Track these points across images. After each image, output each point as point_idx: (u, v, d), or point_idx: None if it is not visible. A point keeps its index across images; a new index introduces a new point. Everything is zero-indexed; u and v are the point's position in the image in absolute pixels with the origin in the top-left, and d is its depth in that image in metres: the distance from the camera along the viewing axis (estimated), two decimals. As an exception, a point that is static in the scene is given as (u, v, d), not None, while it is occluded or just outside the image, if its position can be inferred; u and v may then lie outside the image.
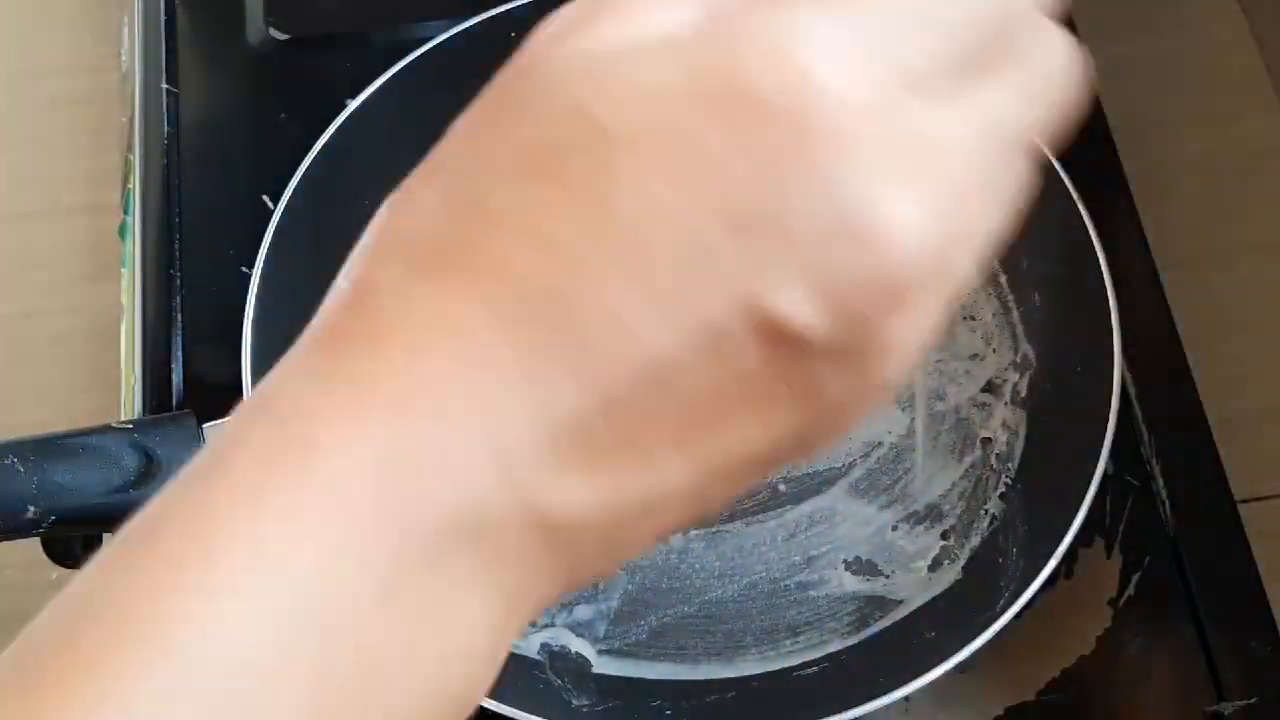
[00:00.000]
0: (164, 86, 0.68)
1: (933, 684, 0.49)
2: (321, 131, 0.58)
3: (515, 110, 0.24)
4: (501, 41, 0.62)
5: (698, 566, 0.57)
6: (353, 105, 0.59)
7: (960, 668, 0.49)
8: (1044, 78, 0.25)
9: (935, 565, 0.56)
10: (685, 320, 0.22)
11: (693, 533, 0.57)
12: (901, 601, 0.56)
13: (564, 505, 0.23)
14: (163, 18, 0.70)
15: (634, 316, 0.22)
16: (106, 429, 0.51)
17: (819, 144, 0.22)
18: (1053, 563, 0.51)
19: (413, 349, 0.23)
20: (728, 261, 0.22)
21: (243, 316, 0.54)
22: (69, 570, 0.58)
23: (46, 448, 0.50)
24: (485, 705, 0.48)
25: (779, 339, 0.22)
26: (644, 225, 0.22)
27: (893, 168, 0.22)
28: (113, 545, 0.23)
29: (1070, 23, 0.77)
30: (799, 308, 0.22)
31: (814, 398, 0.24)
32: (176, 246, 0.64)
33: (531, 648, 0.55)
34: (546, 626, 0.55)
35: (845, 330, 0.23)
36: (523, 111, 0.24)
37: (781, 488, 0.58)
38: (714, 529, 0.58)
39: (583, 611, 0.56)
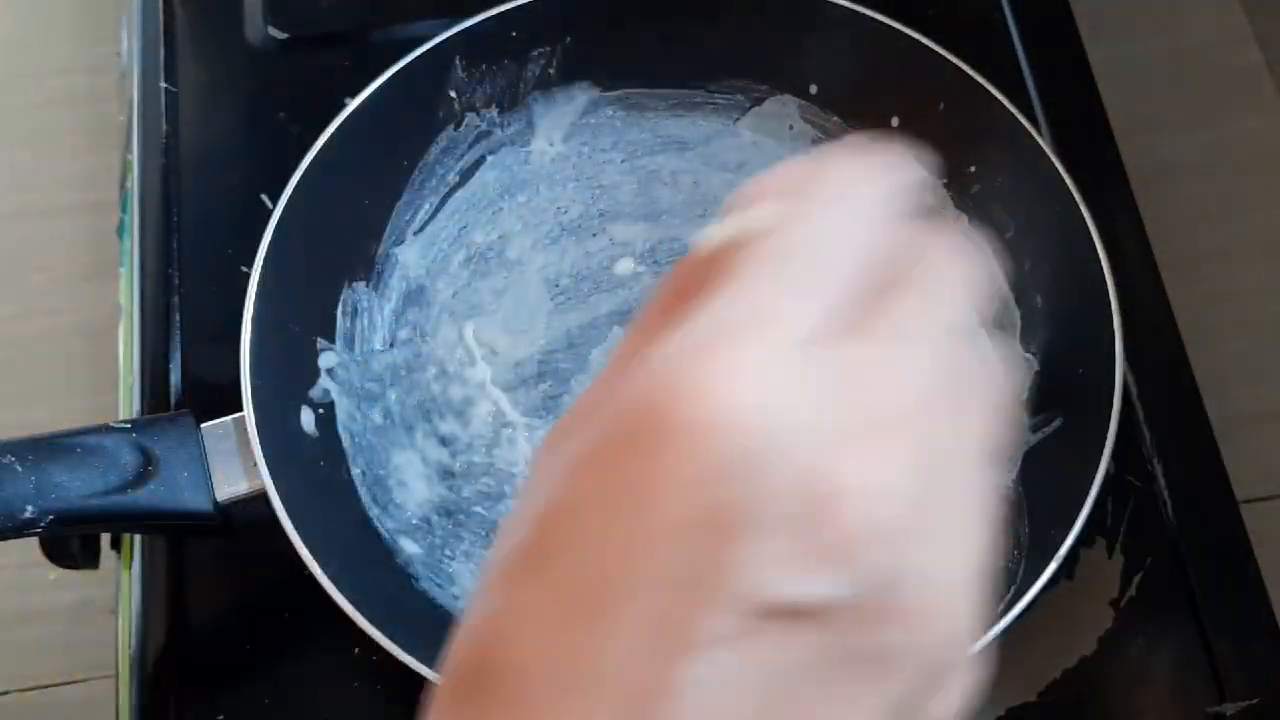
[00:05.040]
0: (163, 85, 0.68)
1: (934, 685, 0.48)
2: (321, 131, 0.58)
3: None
4: (501, 41, 0.63)
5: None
6: (352, 105, 0.59)
7: (961, 669, 0.49)
8: (947, 278, 0.25)
9: (936, 566, 0.56)
10: (695, 638, 0.22)
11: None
12: (902, 602, 0.55)
13: None
14: (161, 17, 0.70)
15: (646, 659, 0.22)
16: (105, 428, 0.51)
17: (750, 439, 0.22)
18: (1054, 564, 0.50)
19: None
20: (707, 570, 0.22)
21: (241, 316, 0.54)
22: (67, 570, 0.58)
23: (44, 447, 0.50)
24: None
25: (800, 615, 0.22)
26: (613, 580, 0.22)
27: (839, 428, 0.22)
28: None
29: (1071, 23, 0.77)
30: (795, 579, 0.22)
31: (884, 662, 0.23)
32: (175, 246, 0.64)
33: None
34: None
35: (861, 582, 0.22)
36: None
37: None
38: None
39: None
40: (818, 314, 0.24)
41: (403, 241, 0.63)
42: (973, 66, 0.60)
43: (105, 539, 0.59)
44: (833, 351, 0.23)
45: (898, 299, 0.24)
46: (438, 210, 0.64)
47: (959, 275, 0.26)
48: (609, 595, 0.22)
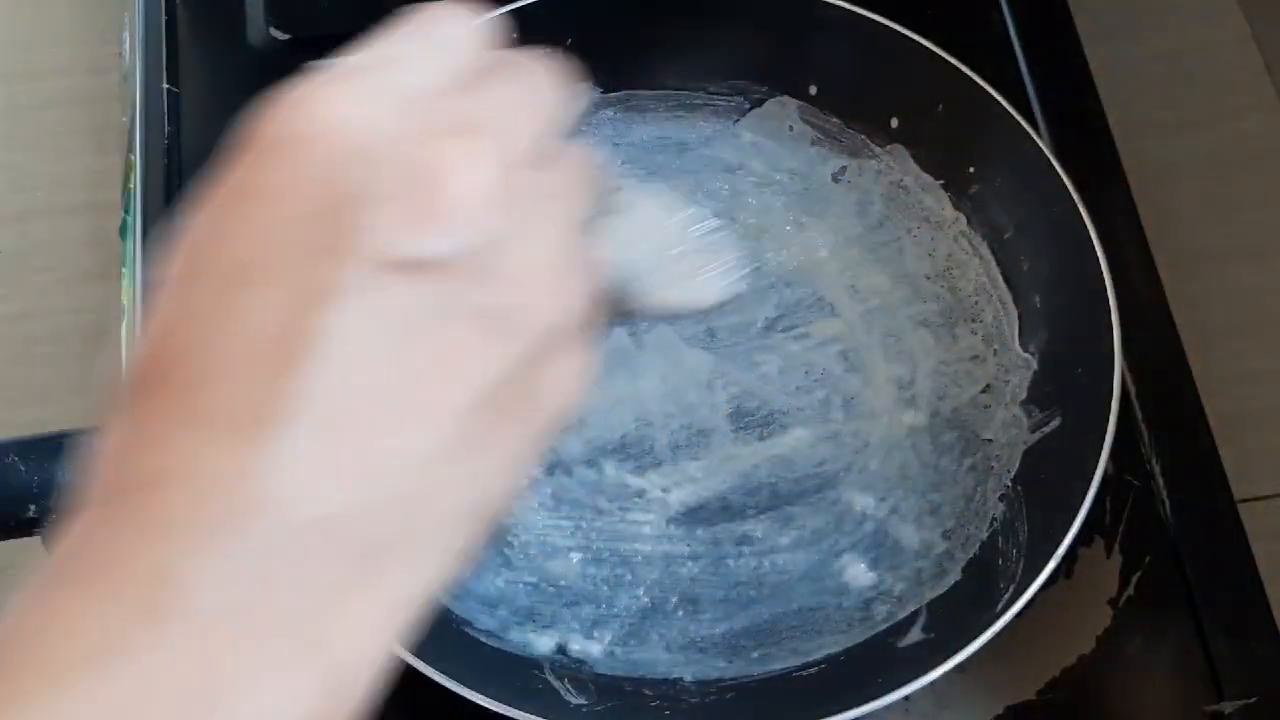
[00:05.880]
0: (165, 86, 0.68)
1: (933, 684, 0.49)
2: (322, 131, 0.58)
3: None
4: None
5: (696, 567, 0.57)
6: (353, 105, 0.59)
7: (960, 667, 0.49)
8: (527, 78, 0.30)
9: (936, 565, 0.56)
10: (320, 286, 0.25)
11: (695, 532, 0.58)
12: (902, 601, 0.56)
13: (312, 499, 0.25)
14: (163, 18, 0.70)
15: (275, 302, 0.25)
16: (107, 429, 0.51)
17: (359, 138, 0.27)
18: (1053, 563, 0.51)
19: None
20: (333, 238, 0.26)
21: (243, 316, 0.54)
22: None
23: (48, 446, 0.50)
24: (486, 705, 0.48)
25: (419, 269, 0.26)
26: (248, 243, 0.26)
27: (430, 129, 0.27)
28: None
29: (1070, 23, 0.77)
30: (409, 236, 0.26)
31: (497, 319, 0.27)
32: (177, 246, 0.64)
33: (532, 648, 0.55)
34: (547, 627, 0.56)
35: (464, 238, 0.26)
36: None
37: (782, 488, 0.58)
38: (712, 526, 0.58)
39: (584, 612, 0.56)
40: (416, 77, 0.28)
41: (404, 242, 0.63)
42: (972, 67, 0.60)
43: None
44: (426, 98, 0.28)
45: (487, 81, 0.29)
46: (439, 211, 0.64)
47: (538, 81, 0.30)
48: (250, 274, 0.26)
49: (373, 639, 0.27)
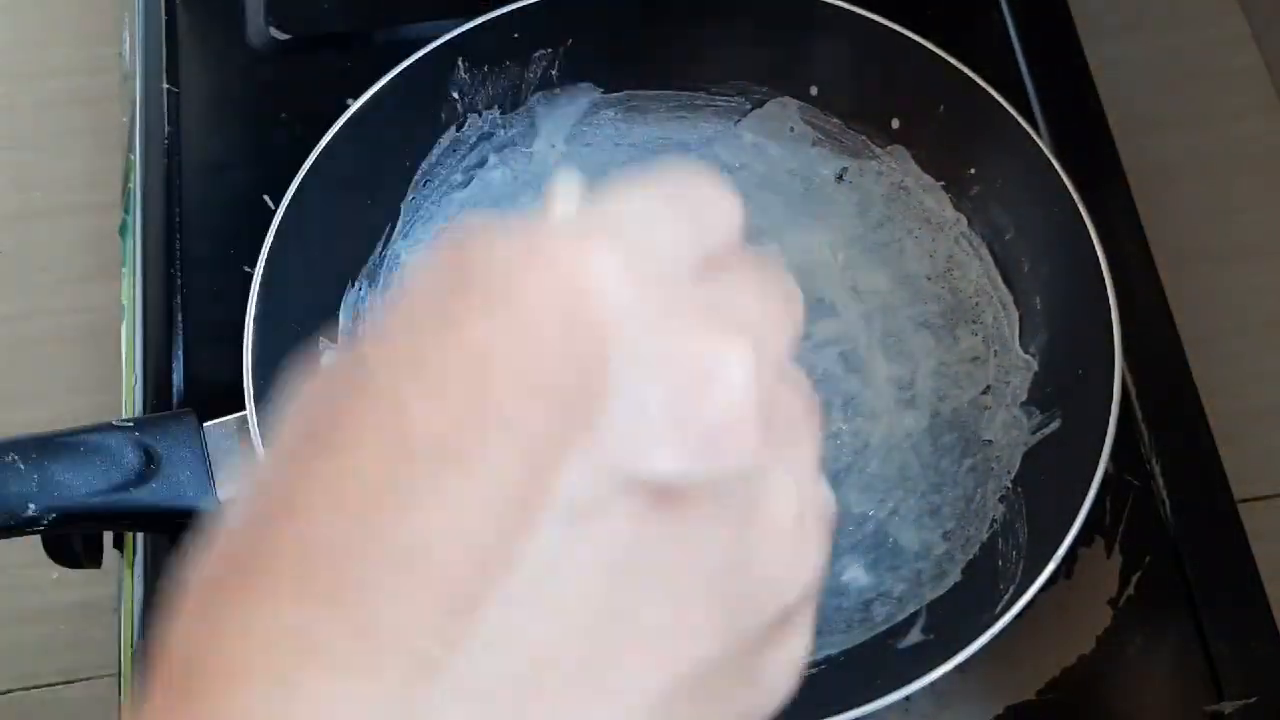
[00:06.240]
0: (164, 86, 0.68)
1: (933, 684, 0.49)
2: (322, 131, 0.58)
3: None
4: (503, 43, 0.63)
5: (698, 566, 0.57)
6: (354, 106, 0.59)
7: (960, 668, 0.49)
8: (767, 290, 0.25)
9: (935, 566, 0.56)
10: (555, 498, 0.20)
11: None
12: (901, 602, 0.56)
13: None
14: (163, 17, 0.70)
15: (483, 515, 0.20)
16: (107, 427, 0.52)
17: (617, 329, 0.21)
18: (1053, 563, 0.51)
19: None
20: (574, 429, 0.21)
21: (243, 316, 0.54)
22: (69, 569, 0.58)
23: (47, 445, 0.50)
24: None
25: (659, 494, 0.21)
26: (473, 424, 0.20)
27: (695, 328, 0.22)
28: None
29: (1070, 23, 0.77)
30: (660, 450, 0.21)
31: (735, 572, 0.22)
32: (177, 246, 0.64)
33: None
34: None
35: (722, 466, 0.22)
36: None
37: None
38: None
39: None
40: (670, 248, 0.23)
41: (406, 241, 0.63)
42: (972, 68, 0.60)
43: (108, 538, 0.59)
44: (681, 278, 0.23)
45: (738, 270, 0.24)
46: (441, 210, 0.64)
47: (785, 280, 0.25)
48: (446, 460, 0.20)
49: None
